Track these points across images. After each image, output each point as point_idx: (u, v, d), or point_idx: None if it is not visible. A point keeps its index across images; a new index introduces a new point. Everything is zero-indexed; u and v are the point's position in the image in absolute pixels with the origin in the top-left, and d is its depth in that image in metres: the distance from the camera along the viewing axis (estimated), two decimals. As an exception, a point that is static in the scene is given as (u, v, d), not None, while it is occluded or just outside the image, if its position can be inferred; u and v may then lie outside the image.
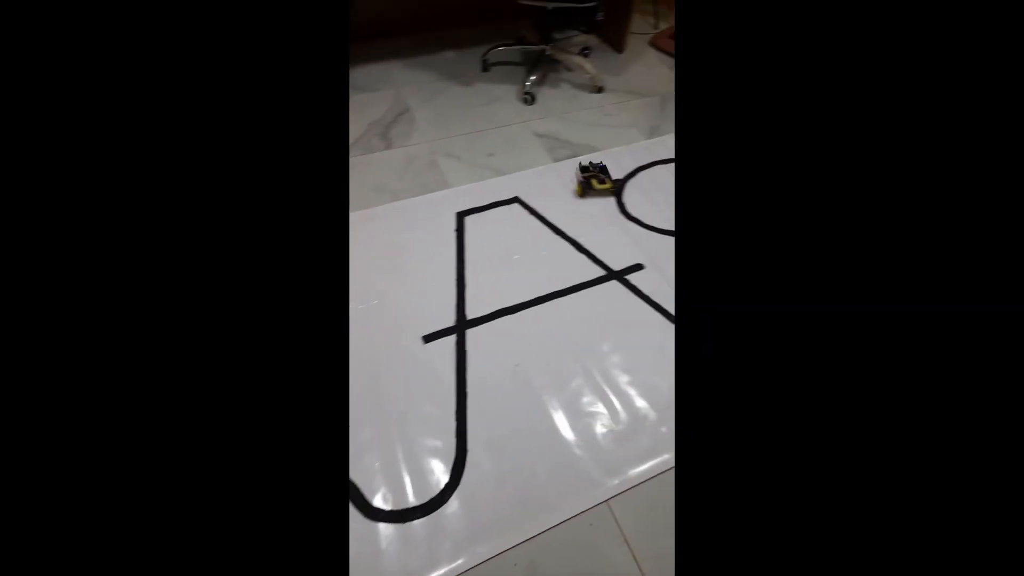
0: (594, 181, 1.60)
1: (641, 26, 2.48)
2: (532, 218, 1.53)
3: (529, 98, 1.98)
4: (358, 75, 2.07)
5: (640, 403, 1.13)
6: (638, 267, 1.41)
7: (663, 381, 1.16)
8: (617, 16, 2.23)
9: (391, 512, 0.94)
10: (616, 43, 2.30)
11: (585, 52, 2.26)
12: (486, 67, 2.14)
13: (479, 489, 0.98)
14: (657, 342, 1.24)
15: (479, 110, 1.95)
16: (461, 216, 1.52)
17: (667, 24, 2.48)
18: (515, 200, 1.58)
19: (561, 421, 1.09)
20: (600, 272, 1.39)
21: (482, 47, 2.18)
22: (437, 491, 0.97)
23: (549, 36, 2.08)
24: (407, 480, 0.99)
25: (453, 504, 0.96)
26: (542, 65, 2.08)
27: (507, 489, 0.98)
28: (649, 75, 2.20)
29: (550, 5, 1.83)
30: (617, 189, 1.63)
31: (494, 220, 1.52)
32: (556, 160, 1.74)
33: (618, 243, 1.46)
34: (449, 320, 1.25)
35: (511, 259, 1.41)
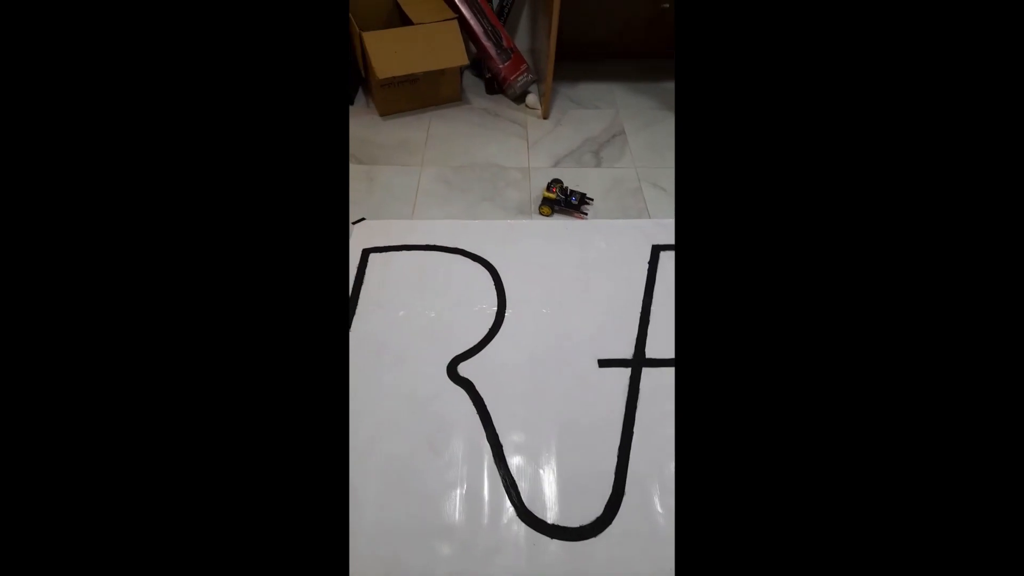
0: (546, 191, 1.47)
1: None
2: (729, 270, 1.35)
3: (748, 143, 1.76)
4: (581, 91, 2.04)
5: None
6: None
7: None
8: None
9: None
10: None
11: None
12: (708, 103, 1.95)
13: (630, 534, 0.89)
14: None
15: (693, 145, 1.78)
16: (657, 250, 1.40)
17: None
18: (715, 246, 1.41)
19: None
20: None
21: (709, 82, 1.99)
22: (586, 522, 0.90)
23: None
24: (555, 501, 0.93)
25: (598, 543, 0.88)
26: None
27: (655, 549, 0.88)
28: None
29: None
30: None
31: (689, 262, 1.37)
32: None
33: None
34: (627, 352, 1.16)
35: (699, 307, 1.26)
